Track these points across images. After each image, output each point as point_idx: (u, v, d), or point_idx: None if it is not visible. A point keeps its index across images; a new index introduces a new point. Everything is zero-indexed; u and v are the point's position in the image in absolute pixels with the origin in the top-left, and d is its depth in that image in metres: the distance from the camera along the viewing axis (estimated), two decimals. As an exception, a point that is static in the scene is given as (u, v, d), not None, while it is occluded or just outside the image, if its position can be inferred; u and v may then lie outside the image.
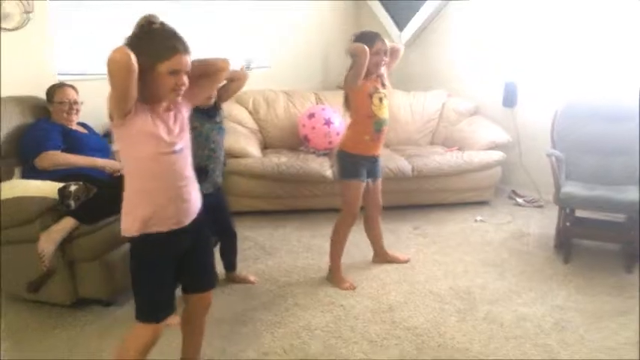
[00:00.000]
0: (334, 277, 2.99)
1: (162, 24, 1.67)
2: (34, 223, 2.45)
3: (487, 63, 4.67)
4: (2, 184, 2.69)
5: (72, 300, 2.60)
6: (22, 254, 2.57)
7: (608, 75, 3.93)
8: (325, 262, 3.11)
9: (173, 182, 1.74)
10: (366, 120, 2.80)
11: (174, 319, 2.00)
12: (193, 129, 2.16)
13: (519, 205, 4.37)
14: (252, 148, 4.09)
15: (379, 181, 3.06)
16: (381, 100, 2.82)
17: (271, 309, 2.72)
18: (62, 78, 3.45)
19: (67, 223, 2.45)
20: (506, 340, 2.45)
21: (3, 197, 2.55)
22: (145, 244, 1.74)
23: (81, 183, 2.58)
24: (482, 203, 4.35)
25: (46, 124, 2.95)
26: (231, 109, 4.41)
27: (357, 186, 2.89)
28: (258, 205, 4.05)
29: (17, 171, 2.88)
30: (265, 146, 4.48)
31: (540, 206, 4.31)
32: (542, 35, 4.29)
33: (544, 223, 3.92)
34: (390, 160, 4.01)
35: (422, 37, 5.14)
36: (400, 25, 5.19)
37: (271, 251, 3.44)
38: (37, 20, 3.45)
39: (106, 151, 3.15)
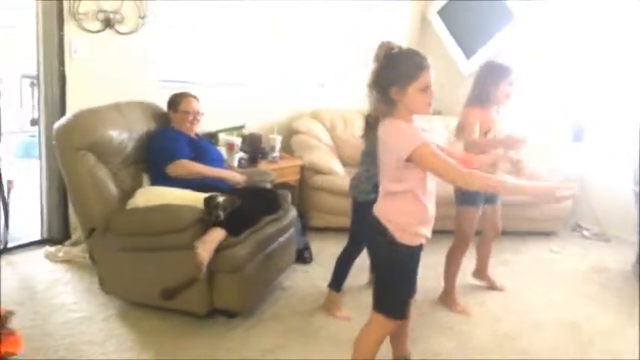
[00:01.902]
0: (448, 298, 3.05)
1: (399, 47, 1.76)
2: (185, 232, 2.46)
3: (554, 99, 4.75)
4: (140, 190, 2.72)
5: (207, 310, 2.61)
6: (158, 261, 2.60)
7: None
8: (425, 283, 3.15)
9: (432, 197, 1.90)
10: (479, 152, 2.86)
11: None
12: None
13: (586, 237, 4.47)
14: (337, 165, 4.14)
15: (498, 205, 3.13)
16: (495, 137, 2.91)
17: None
18: (164, 84, 3.50)
19: (218, 234, 2.48)
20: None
21: (149, 204, 2.57)
22: (413, 252, 1.91)
23: (226, 194, 2.61)
24: (549, 234, 4.44)
25: (174, 133, 2.98)
26: (308, 123, 4.47)
27: (472, 214, 2.96)
28: (343, 222, 4.07)
29: (145, 177, 2.89)
30: (342, 164, 4.51)
31: (607, 240, 4.42)
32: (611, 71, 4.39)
33: (618, 258, 4.00)
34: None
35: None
36: (468, 52, 5.27)
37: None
38: (150, 26, 3.51)
39: (222, 161, 3.20)
